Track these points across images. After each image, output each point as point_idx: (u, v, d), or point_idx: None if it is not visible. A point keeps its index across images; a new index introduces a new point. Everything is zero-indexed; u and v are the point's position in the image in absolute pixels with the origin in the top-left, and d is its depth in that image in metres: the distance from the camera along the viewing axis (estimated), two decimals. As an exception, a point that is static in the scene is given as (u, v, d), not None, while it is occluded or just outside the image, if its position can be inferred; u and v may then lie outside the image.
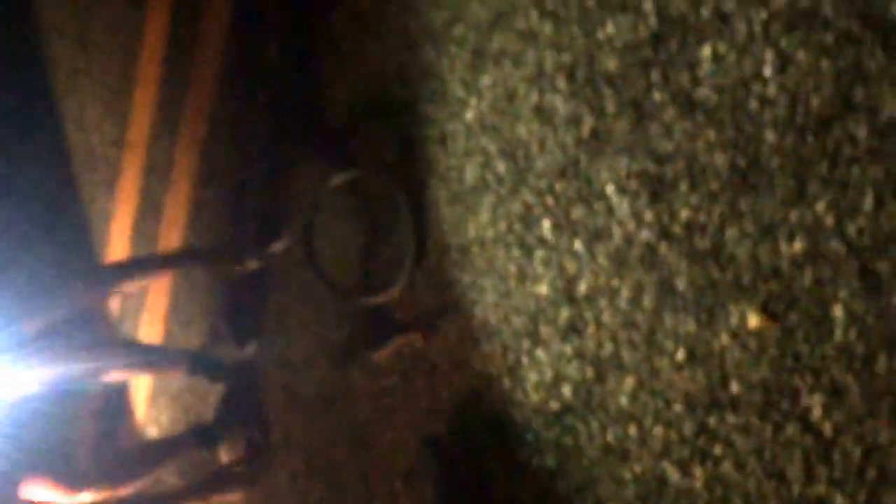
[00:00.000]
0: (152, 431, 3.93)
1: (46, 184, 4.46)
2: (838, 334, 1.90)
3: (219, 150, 3.53)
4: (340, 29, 2.98)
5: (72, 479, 2.82)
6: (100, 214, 4.28)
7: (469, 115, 2.62)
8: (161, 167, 3.93)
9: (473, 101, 2.61)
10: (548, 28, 2.41)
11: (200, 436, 3.30)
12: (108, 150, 4.20)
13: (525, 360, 2.48)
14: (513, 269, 2.52)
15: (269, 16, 3.23)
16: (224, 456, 3.27)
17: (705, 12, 2.10)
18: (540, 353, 2.45)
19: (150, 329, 3.92)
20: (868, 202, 1.87)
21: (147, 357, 3.19)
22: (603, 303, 2.31)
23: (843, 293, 1.91)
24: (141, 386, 4.04)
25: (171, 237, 3.85)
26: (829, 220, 1.93)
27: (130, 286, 3.08)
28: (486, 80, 2.57)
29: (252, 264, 3.13)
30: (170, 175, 3.88)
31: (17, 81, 4.58)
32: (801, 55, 1.96)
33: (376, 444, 2.94)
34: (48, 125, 4.47)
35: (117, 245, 4.19)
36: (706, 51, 2.10)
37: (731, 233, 2.08)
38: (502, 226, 2.54)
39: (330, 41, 3.02)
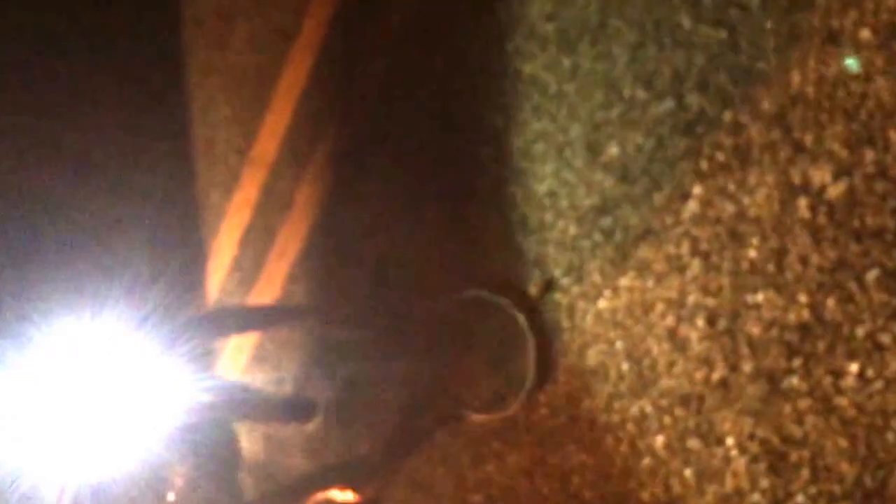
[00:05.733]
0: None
1: (164, 167, 4.42)
2: None
3: (342, 207, 3.48)
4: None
5: None
6: (212, 210, 4.26)
7: (602, 304, 2.59)
8: (281, 195, 3.88)
9: (608, 293, 2.58)
10: (697, 266, 2.36)
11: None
12: (231, 155, 4.14)
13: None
14: (618, 461, 2.53)
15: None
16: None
17: (860, 331, 2.05)
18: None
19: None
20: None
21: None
22: (702, 535, 2.34)
23: None
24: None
25: (279, 265, 3.85)
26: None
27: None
28: (624, 282, 2.53)
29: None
30: (288, 207, 3.84)
31: (146, 56, 4.47)
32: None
33: None
34: (175, 110, 4.40)
35: (224, 243, 4.18)
36: (853, 367, 2.07)
37: (842, 539, 2.08)
38: (615, 418, 2.54)
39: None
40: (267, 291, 3.85)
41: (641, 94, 2.49)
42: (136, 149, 4.20)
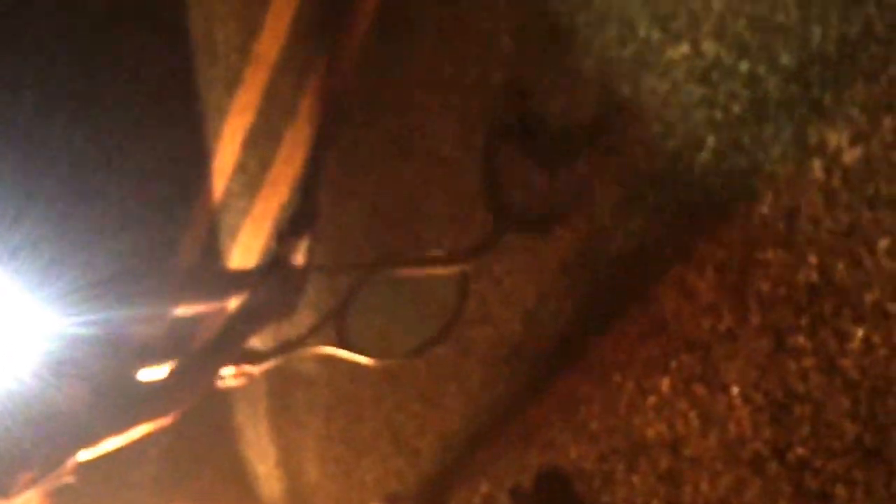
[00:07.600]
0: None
1: (162, 64, 4.34)
2: None
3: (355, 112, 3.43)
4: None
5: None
6: (214, 110, 4.20)
7: (611, 247, 2.61)
8: (285, 98, 3.83)
9: (620, 235, 2.58)
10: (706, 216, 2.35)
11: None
12: (232, 54, 4.07)
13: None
14: (624, 396, 2.61)
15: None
16: None
17: (868, 298, 2.08)
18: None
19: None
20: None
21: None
22: (704, 475, 2.43)
23: None
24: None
25: (286, 171, 3.82)
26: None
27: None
28: (632, 225, 2.53)
29: None
30: (294, 111, 3.79)
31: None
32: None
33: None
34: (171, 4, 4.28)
35: (227, 148, 4.15)
36: (860, 332, 2.10)
37: (840, 491, 2.17)
38: (622, 356, 2.60)
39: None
40: (273, 196, 3.83)
41: (657, 34, 2.41)
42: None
